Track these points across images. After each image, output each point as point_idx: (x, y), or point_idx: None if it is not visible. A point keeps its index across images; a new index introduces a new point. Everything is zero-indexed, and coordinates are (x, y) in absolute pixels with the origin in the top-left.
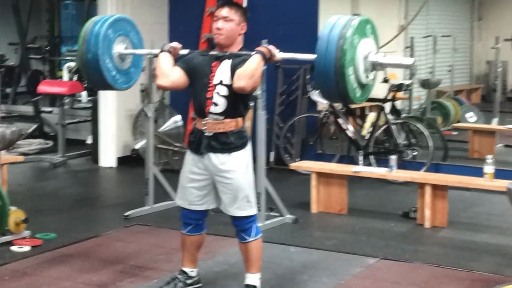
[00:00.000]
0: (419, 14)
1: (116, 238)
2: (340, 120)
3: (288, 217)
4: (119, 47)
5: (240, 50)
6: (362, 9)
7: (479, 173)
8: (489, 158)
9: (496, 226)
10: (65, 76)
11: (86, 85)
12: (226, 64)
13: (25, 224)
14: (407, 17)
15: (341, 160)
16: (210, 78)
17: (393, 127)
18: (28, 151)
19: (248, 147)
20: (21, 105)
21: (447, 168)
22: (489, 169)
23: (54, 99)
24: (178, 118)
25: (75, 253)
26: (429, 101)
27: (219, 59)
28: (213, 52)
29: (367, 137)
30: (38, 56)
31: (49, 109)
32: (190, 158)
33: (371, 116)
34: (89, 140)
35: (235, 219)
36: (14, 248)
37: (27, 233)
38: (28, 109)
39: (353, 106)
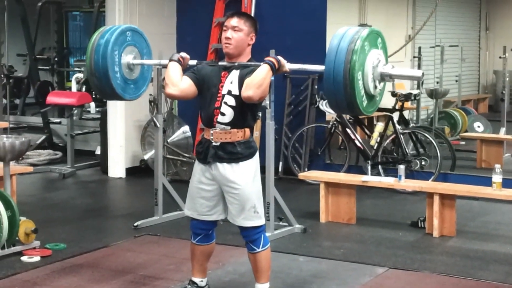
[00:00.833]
0: (426, 24)
1: (125, 248)
2: (348, 130)
3: (297, 226)
4: (127, 57)
5: (249, 61)
6: (370, 19)
7: (487, 182)
8: (497, 168)
9: (504, 235)
10: (74, 87)
11: (94, 96)
12: (235, 74)
13: (35, 235)
14: (414, 27)
15: (349, 170)
16: (218, 88)
17: (401, 136)
18: (37, 162)
19: (256, 157)
20: (30, 116)
21: (455, 177)
22: (497, 178)
23: (62, 110)
24: (186, 128)
25: (85, 263)
26: (437, 111)
27: (228, 69)
28: (221, 63)
29: (375, 147)
30: (47, 67)
31: (58, 120)
32: (198, 168)
33: (379, 126)
34: (98, 151)
35: (243, 229)
36: (24, 258)
37: (37, 243)
38: (37, 120)
39: (361, 116)
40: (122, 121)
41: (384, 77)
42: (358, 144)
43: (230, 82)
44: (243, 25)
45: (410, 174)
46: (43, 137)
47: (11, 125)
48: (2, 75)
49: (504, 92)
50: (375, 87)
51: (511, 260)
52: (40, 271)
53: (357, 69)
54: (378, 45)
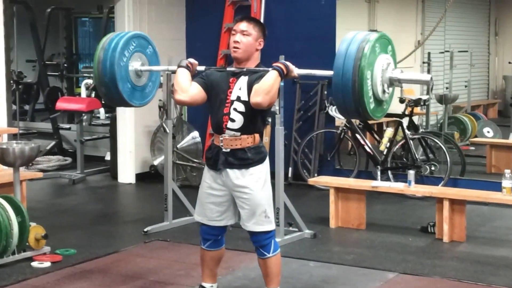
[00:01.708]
0: (436, 29)
1: (135, 253)
2: (358, 136)
3: (307, 232)
4: (135, 64)
5: (257, 66)
6: (379, 25)
7: (497, 187)
8: (507, 173)
9: None
10: (83, 92)
11: (104, 101)
12: (243, 80)
13: (45, 240)
14: (424, 32)
15: (359, 175)
16: (227, 94)
17: (411, 142)
18: (47, 167)
19: (266, 163)
20: (39, 122)
21: (465, 182)
22: (507, 183)
23: (72, 116)
24: (196, 134)
25: (95, 268)
26: (446, 116)
27: (236, 75)
28: (230, 68)
29: (385, 152)
30: (56, 73)
31: (67, 125)
32: (208, 174)
33: (388, 131)
34: (108, 157)
35: (253, 234)
36: (34, 264)
37: (47, 249)
38: (46, 126)
39: (371, 121)
40: (132, 126)
41: (393, 82)
42: (368, 150)
43: (239, 88)
44: (252, 29)
45: (420, 180)
46: (53, 143)
47: (20, 131)
48: (12, 81)
49: None
50: (384, 91)
51: None
52: (51, 276)
53: (365, 73)
54: (387, 50)
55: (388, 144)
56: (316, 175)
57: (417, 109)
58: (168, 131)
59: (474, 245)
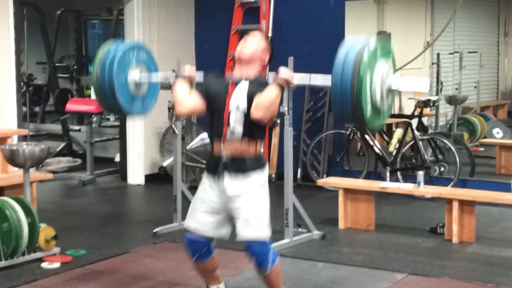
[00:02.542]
0: (445, 30)
1: (145, 254)
2: (367, 137)
3: (316, 233)
4: (134, 75)
5: (258, 76)
6: (388, 26)
7: (506, 188)
8: None
9: None
10: (93, 94)
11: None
12: (243, 87)
13: (54, 241)
14: (433, 33)
15: (368, 176)
16: (226, 102)
17: (420, 143)
18: (57, 169)
19: (265, 171)
20: (49, 123)
21: (474, 183)
22: None
23: (82, 118)
24: (205, 135)
25: (104, 269)
26: (456, 117)
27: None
28: (228, 78)
29: (394, 153)
30: (66, 75)
31: (77, 127)
32: (206, 183)
33: (398, 132)
34: (117, 158)
35: (250, 246)
36: (44, 264)
37: (57, 249)
38: (56, 128)
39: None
40: (141, 128)
41: (392, 91)
42: (377, 151)
43: (238, 95)
44: (262, 39)
45: (429, 180)
46: (63, 144)
47: (31, 133)
48: (22, 83)
49: None
50: (383, 100)
51: None
52: (60, 277)
53: (364, 90)
54: (386, 55)
55: (397, 145)
56: (325, 176)
57: (427, 110)
58: (177, 132)
59: (483, 246)
